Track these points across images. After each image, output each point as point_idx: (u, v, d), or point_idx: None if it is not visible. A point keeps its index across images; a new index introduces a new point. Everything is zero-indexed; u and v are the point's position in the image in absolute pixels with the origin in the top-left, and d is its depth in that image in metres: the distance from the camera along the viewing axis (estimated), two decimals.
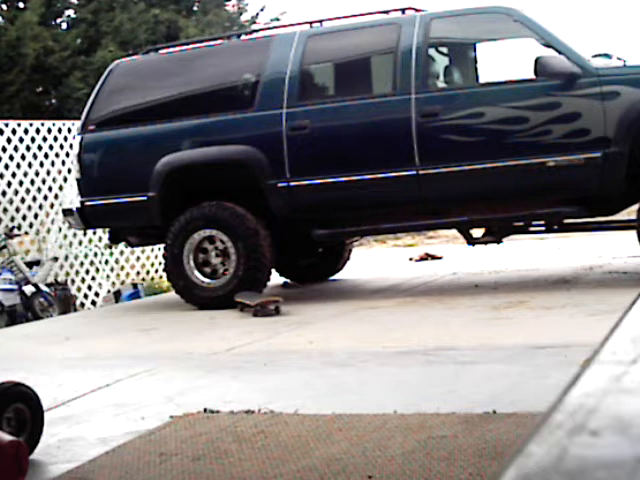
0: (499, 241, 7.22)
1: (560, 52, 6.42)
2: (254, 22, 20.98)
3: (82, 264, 10.85)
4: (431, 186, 6.66)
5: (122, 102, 7.64)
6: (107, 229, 8.42)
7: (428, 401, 3.59)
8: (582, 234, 9.09)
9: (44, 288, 9.28)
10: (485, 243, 7.30)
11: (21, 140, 10.29)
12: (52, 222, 10.57)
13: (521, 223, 7.12)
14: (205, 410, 3.77)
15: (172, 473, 3.02)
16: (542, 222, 7.07)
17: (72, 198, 9.43)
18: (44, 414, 3.43)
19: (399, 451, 2.99)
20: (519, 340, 4.76)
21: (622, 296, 4.74)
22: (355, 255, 9.28)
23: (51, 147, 10.67)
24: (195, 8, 20.79)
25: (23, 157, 10.28)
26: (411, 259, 9.98)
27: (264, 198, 7.09)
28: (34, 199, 10.38)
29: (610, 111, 6.24)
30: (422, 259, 9.90)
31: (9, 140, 10.14)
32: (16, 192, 10.20)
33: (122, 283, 11.14)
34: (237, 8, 21.33)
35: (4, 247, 9.48)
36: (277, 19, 20.39)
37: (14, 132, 10.21)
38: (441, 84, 7.23)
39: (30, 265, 9.66)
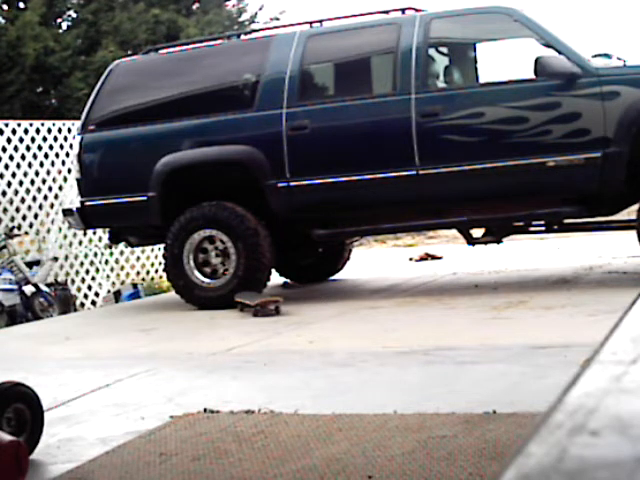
0: (499, 241, 7.22)
1: (560, 52, 6.42)
2: (253, 21, 21.00)
3: (82, 264, 10.85)
4: (431, 186, 6.66)
5: (122, 102, 7.65)
6: (107, 229, 8.42)
7: (428, 401, 3.59)
8: (582, 234, 9.09)
9: (44, 288, 9.28)
10: (485, 243, 7.30)
11: (21, 140, 10.29)
12: (52, 222, 10.57)
13: (521, 223, 7.12)
14: (205, 410, 3.77)
15: (172, 473, 3.02)
16: (542, 222, 7.07)
17: (72, 198, 9.44)
18: (44, 414, 3.43)
19: (399, 451, 2.99)
20: (519, 340, 4.76)
21: (622, 296, 4.74)
22: (355, 255, 9.28)
23: (51, 147, 10.67)
24: (195, 7, 20.79)
25: (23, 157, 10.28)
26: (411, 259, 9.98)
27: (264, 198, 7.09)
28: (34, 199, 10.38)
29: (610, 111, 6.24)
30: (422, 259, 9.90)
31: (9, 140, 10.14)
32: (16, 192, 10.20)
33: (122, 283, 11.14)
34: (237, 8, 21.34)
35: (4, 247, 9.48)
36: (277, 18, 20.42)
37: (14, 132, 10.21)
38: (441, 84, 7.23)
39: (30, 265, 9.66)
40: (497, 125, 6.54)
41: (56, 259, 10.27)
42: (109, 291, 10.87)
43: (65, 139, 10.82)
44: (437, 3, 7.28)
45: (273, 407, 3.71)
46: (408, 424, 3.29)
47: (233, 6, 21.46)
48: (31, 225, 10.33)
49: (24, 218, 10.23)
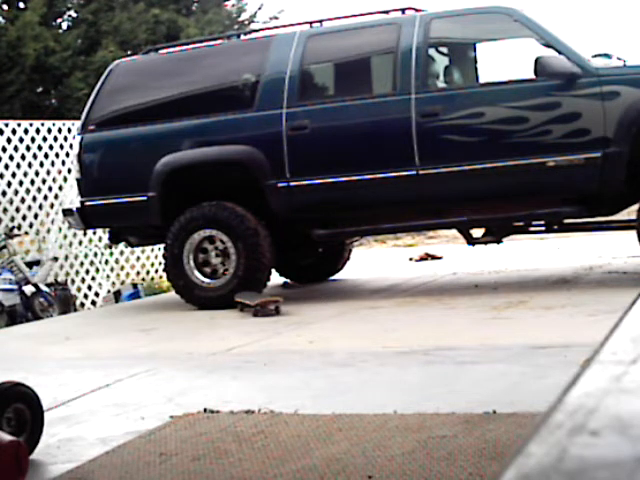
0: (499, 241, 7.22)
1: (560, 52, 6.42)
2: (253, 21, 21.01)
3: (82, 264, 10.85)
4: (431, 186, 6.66)
5: (122, 102, 7.65)
6: (107, 229, 8.43)
7: (428, 401, 3.59)
8: (582, 234, 9.09)
9: (44, 288, 9.28)
10: (485, 243, 7.30)
11: (21, 140, 10.29)
12: (52, 222, 10.57)
13: (521, 223, 7.12)
14: (205, 410, 3.77)
15: (172, 473, 3.02)
16: (542, 222, 7.07)
17: (72, 198, 9.43)
18: (44, 414, 3.43)
19: (399, 451, 2.99)
20: (519, 340, 4.76)
21: (622, 296, 4.74)
22: (355, 255, 9.28)
23: (51, 147, 10.67)
24: (194, 7, 20.80)
25: (23, 157, 10.28)
26: (411, 259, 9.98)
27: (264, 198, 7.09)
28: (34, 199, 10.38)
29: (610, 111, 6.24)
30: (422, 259, 9.90)
31: (9, 140, 10.14)
32: (16, 192, 10.20)
33: (122, 283, 11.14)
34: (236, 8, 21.35)
35: (4, 247, 9.48)
36: (276, 17, 20.44)
37: (14, 132, 10.21)
38: (441, 84, 7.23)
39: (30, 265, 9.66)
40: (497, 125, 6.54)
41: (56, 259, 10.27)
42: (109, 291, 10.87)
43: (65, 139, 10.82)
44: (437, 3, 7.29)
45: (273, 407, 3.71)
46: (408, 424, 3.29)
47: (232, 6, 21.47)
48: (31, 225, 10.32)
49: (24, 218, 10.23)
